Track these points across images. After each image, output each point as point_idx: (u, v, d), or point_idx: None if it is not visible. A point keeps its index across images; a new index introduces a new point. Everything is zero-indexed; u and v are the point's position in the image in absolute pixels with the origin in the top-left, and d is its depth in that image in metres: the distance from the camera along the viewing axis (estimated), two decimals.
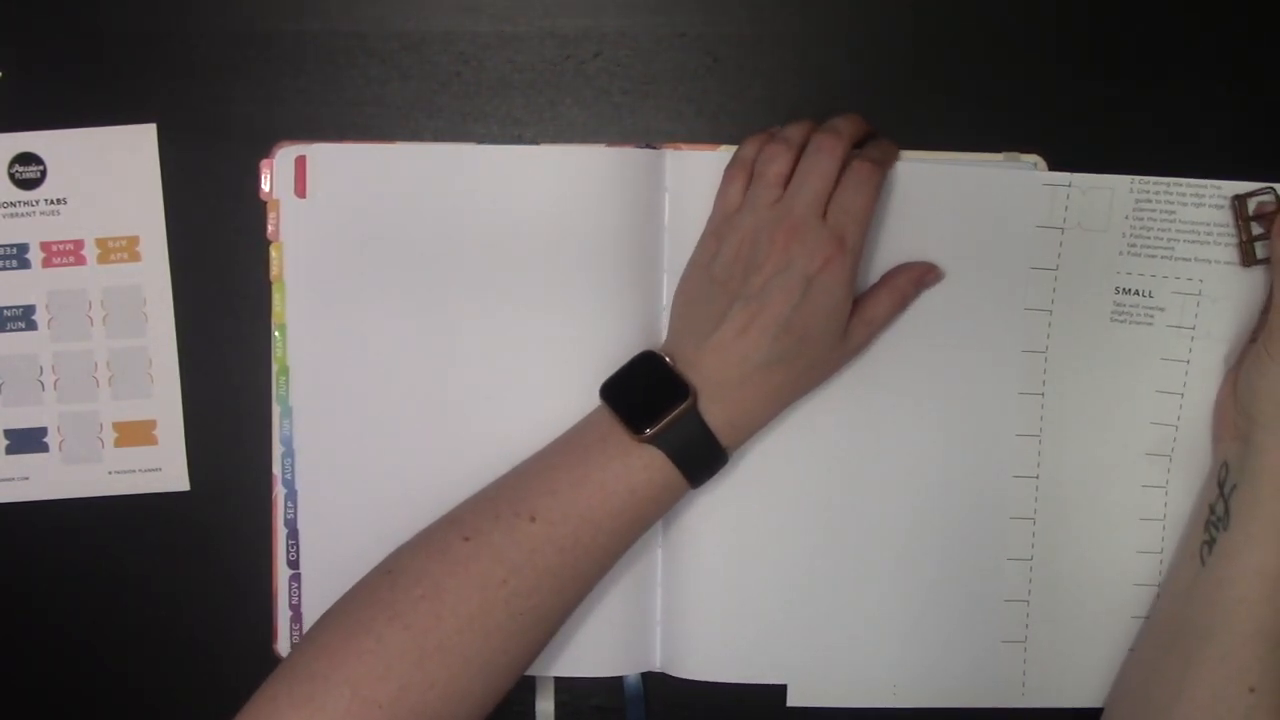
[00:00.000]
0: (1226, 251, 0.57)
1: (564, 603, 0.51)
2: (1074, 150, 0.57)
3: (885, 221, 0.56)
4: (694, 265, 0.55)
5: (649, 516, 0.52)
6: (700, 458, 0.51)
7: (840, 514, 0.57)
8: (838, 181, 0.52)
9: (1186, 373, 0.58)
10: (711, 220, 0.55)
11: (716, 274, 0.52)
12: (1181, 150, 0.58)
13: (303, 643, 0.49)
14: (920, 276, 0.56)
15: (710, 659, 0.57)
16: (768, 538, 0.57)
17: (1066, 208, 0.57)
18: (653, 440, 0.50)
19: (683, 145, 0.57)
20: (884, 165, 0.54)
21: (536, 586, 0.49)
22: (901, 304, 0.55)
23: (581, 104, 0.57)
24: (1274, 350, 0.52)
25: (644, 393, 0.51)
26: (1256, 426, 0.53)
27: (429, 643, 0.47)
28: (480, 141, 0.57)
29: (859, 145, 0.54)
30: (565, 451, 0.52)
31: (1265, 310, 0.55)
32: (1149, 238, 0.57)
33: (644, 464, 0.50)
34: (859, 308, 0.54)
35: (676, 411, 0.50)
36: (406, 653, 0.47)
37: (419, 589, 0.48)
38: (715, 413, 0.51)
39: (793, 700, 0.58)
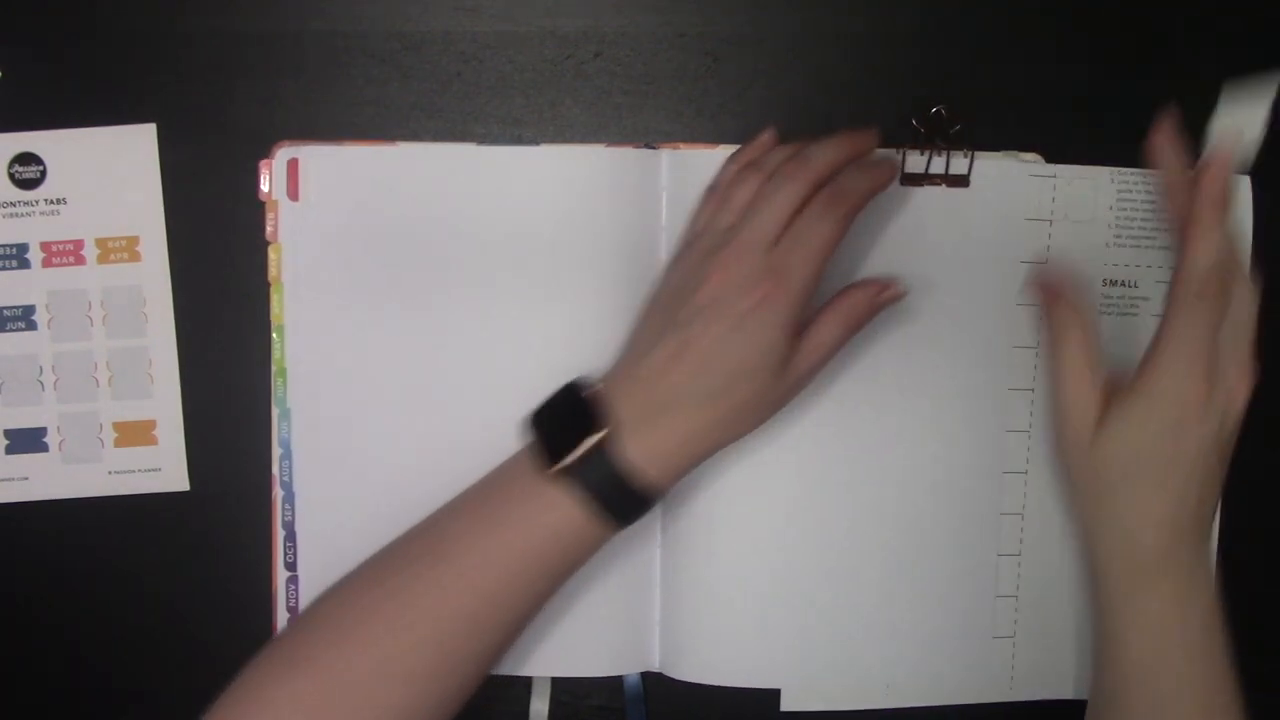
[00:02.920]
0: None
1: (482, 647, 0.48)
2: (1074, 150, 0.57)
3: (876, 221, 0.56)
4: (653, 288, 0.52)
5: (570, 557, 0.48)
6: (620, 497, 0.47)
7: (832, 513, 0.57)
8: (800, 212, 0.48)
9: None
10: (679, 244, 0.53)
11: (661, 298, 0.50)
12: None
13: (223, 695, 0.48)
14: (875, 295, 0.50)
15: (705, 662, 0.57)
16: (762, 539, 0.57)
17: (1054, 199, 0.57)
18: (567, 476, 0.47)
19: (682, 145, 0.57)
20: (855, 196, 0.49)
21: (451, 632, 0.47)
22: (853, 328, 0.50)
23: (581, 104, 0.57)
24: (1148, 388, 0.48)
25: (559, 425, 0.48)
26: (1114, 489, 0.49)
27: (335, 691, 0.45)
28: (480, 141, 0.57)
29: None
30: (482, 488, 0.50)
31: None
32: (1132, 228, 0.57)
33: (557, 503, 0.47)
34: (805, 333, 0.49)
35: (586, 445, 0.47)
36: (306, 699, 0.45)
37: (330, 635, 0.47)
38: (634, 447, 0.47)
39: (786, 705, 0.58)
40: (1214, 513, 0.47)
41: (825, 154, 0.49)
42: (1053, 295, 0.52)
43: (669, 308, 0.49)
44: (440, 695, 0.47)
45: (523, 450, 0.50)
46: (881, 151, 0.56)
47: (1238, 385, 0.47)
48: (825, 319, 0.50)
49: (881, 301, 0.50)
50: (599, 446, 0.47)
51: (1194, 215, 0.48)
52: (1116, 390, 0.49)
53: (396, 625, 0.46)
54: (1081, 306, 0.51)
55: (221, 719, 0.46)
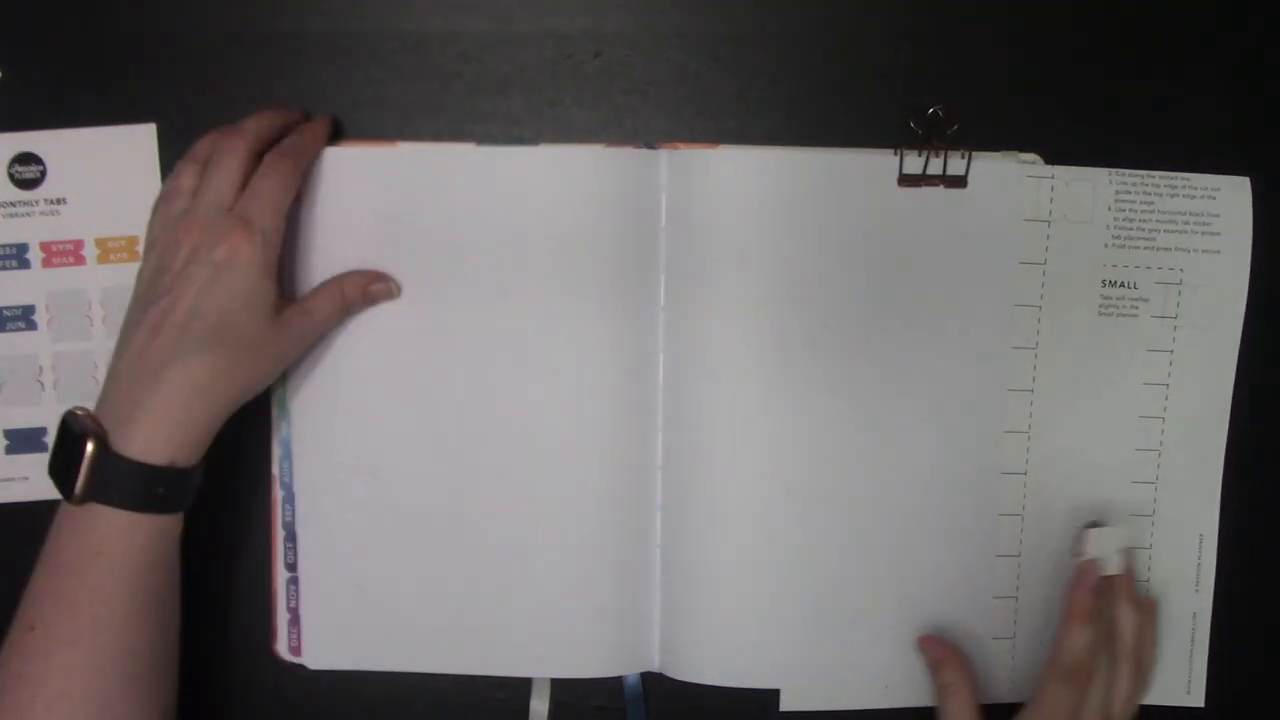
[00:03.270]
0: (1205, 240, 0.58)
1: (115, 680, 0.47)
2: (1074, 150, 0.57)
3: (873, 221, 0.56)
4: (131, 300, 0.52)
5: (146, 564, 0.48)
6: (151, 491, 0.47)
7: (831, 514, 0.57)
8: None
9: (1171, 363, 0.58)
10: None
11: (138, 293, 0.51)
12: (1182, 149, 0.58)
13: None
14: (367, 284, 0.55)
15: (705, 661, 0.57)
16: (762, 539, 0.57)
17: (1052, 200, 0.57)
18: (91, 499, 0.47)
19: (682, 145, 0.57)
20: (299, 153, 0.53)
21: (68, 688, 0.46)
22: (342, 304, 0.54)
23: (581, 104, 0.57)
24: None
25: (61, 456, 0.48)
26: None
27: None
28: (480, 141, 0.57)
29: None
30: (46, 545, 0.49)
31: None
32: (1131, 229, 0.57)
33: (99, 523, 0.47)
34: (304, 298, 0.53)
35: (85, 459, 0.46)
36: None
37: None
38: (134, 435, 0.47)
39: (786, 704, 0.58)
40: None
41: (257, 124, 0.53)
42: (940, 657, 0.56)
43: (145, 293, 0.50)
44: None
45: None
46: (879, 152, 0.56)
47: None
48: (321, 290, 0.54)
49: (374, 293, 0.55)
50: (100, 456, 0.47)
51: (1066, 612, 0.55)
52: None
53: (20, 705, 0.46)
54: (967, 669, 0.56)
55: None
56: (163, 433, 0.47)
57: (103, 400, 0.49)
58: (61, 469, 0.48)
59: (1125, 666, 0.54)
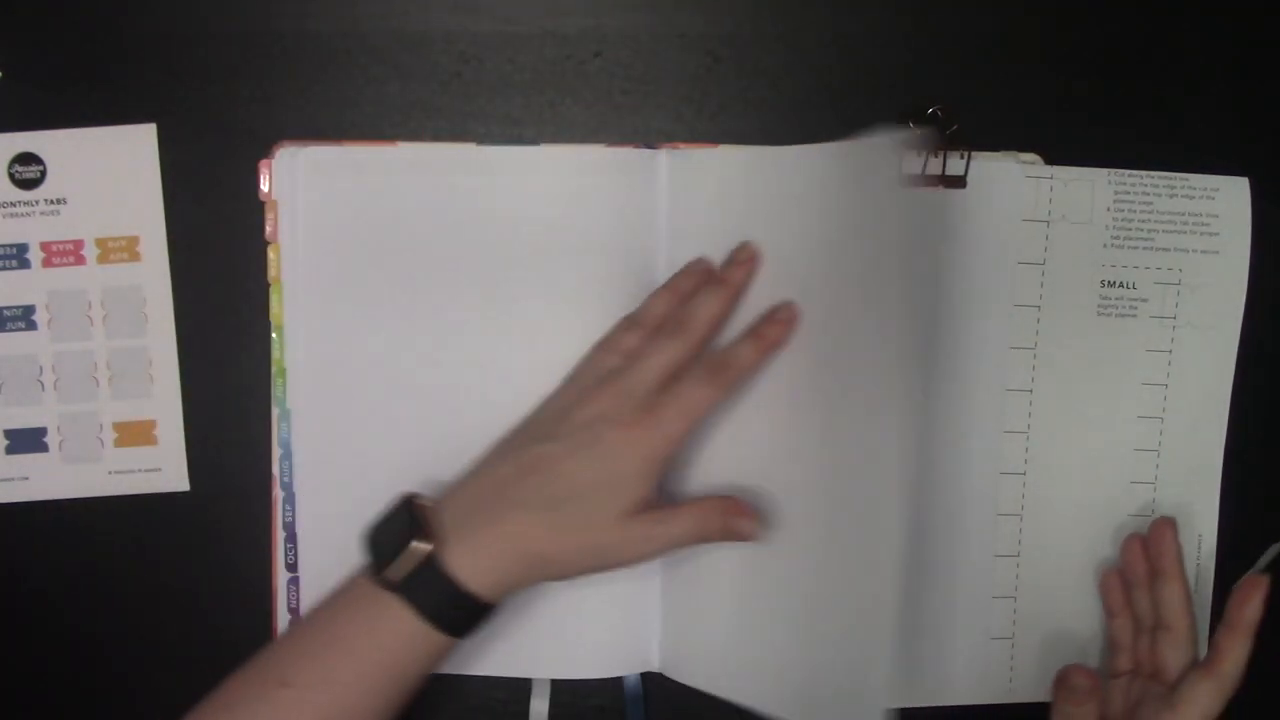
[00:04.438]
0: (1203, 240, 0.58)
1: None
2: (1071, 151, 0.57)
3: (871, 222, 0.56)
4: (520, 420, 0.53)
5: (410, 670, 0.48)
6: (449, 610, 0.47)
7: (831, 514, 0.57)
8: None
9: (1170, 363, 0.58)
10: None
11: (527, 426, 0.52)
12: (1181, 149, 0.58)
13: None
14: (733, 519, 0.51)
15: (706, 664, 0.57)
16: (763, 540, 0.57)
17: (1050, 200, 0.57)
18: (395, 590, 0.47)
19: (682, 145, 0.57)
20: (738, 368, 0.51)
21: None
22: (701, 532, 0.51)
23: (581, 104, 0.57)
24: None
25: (388, 535, 0.48)
26: None
27: None
28: (480, 141, 0.57)
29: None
30: (322, 606, 0.49)
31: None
32: (1130, 229, 0.58)
33: (388, 616, 0.47)
34: (659, 513, 0.50)
35: (410, 554, 0.47)
36: None
37: None
38: (460, 557, 0.47)
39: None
40: None
41: (705, 311, 0.51)
42: (1076, 697, 0.55)
43: (535, 427, 0.51)
44: None
45: (360, 569, 0.50)
46: None
47: None
48: (684, 510, 0.50)
49: (734, 528, 0.51)
50: (426, 559, 0.47)
51: (1233, 623, 0.52)
52: None
53: None
54: (1099, 697, 0.55)
55: None
56: (489, 569, 0.47)
57: (448, 500, 0.49)
58: (382, 548, 0.48)
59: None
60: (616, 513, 0.48)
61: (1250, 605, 0.53)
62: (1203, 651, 0.55)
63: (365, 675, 0.47)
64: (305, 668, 0.47)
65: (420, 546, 0.47)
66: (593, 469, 0.48)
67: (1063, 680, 0.54)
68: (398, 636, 0.47)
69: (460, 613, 0.48)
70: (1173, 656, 0.54)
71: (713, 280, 0.53)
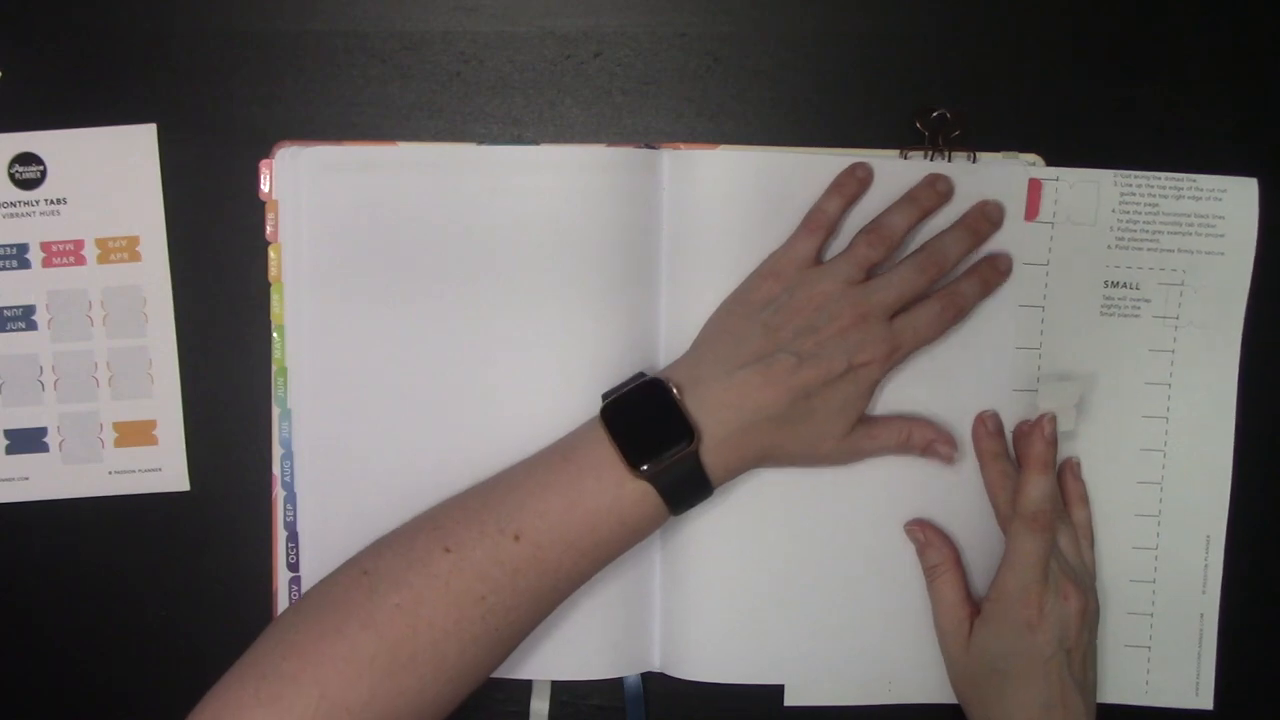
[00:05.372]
0: (1208, 242, 0.57)
1: (539, 616, 0.51)
2: (1074, 151, 0.57)
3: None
4: (741, 301, 0.54)
5: (631, 543, 0.52)
6: (689, 495, 0.51)
7: (833, 509, 0.57)
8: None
9: (1173, 363, 0.58)
10: (772, 262, 0.55)
11: (767, 319, 0.52)
12: (1187, 150, 0.58)
13: (269, 637, 0.48)
14: (934, 441, 0.55)
15: (708, 660, 0.57)
16: (763, 535, 0.57)
17: (1056, 202, 0.57)
18: (647, 478, 0.50)
19: (682, 145, 0.57)
20: (971, 301, 0.55)
21: (515, 604, 0.49)
22: (904, 444, 0.55)
23: (581, 104, 0.57)
24: (998, 598, 0.54)
25: (646, 426, 0.51)
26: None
27: (402, 654, 0.47)
28: (480, 141, 0.57)
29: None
30: (560, 470, 0.51)
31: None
32: (1135, 230, 0.57)
33: (637, 498, 0.50)
34: (870, 420, 0.55)
35: (677, 454, 0.50)
36: (378, 661, 0.46)
37: (396, 597, 0.47)
38: (713, 454, 0.51)
39: (790, 700, 0.58)
40: (1083, 708, 0.54)
41: (958, 249, 0.55)
42: (926, 540, 0.57)
43: (779, 330, 0.52)
44: (494, 658, 0.50)
45: (598, 441, 0.51)
46: (883, 153, 0.56)
47: (1070, 599, 0.53)
48: (890, 423, 0.55)
49: (934, 450, 0.55)
50: (687, 457, 0.50)
51: (1027, 462, 0.55)
52: (976, 607, 0.56)
53: (466, 599, 0.48)
54: (951, 549, 0.57)
55: (279, 657, 0.47)
56: (732, 465, 0.52)
57: (697, 399, 0.51)
58: (634, 436, 0.50)
59: (1068, 520, 0.57)
60: (844, 430, 0.53)
61: (1032, 441, 0.55)
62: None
63: (600, 545, 0.50)
64: (542, 527, 0.49)
65: (686, 449, 0.50)
66: (834, 396, 0.52)
67: (908, 534, 0.58)
68: (641, 518, 0.50)
69: (694, 497, 0.52)
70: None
71: (963, 226, 0.55)
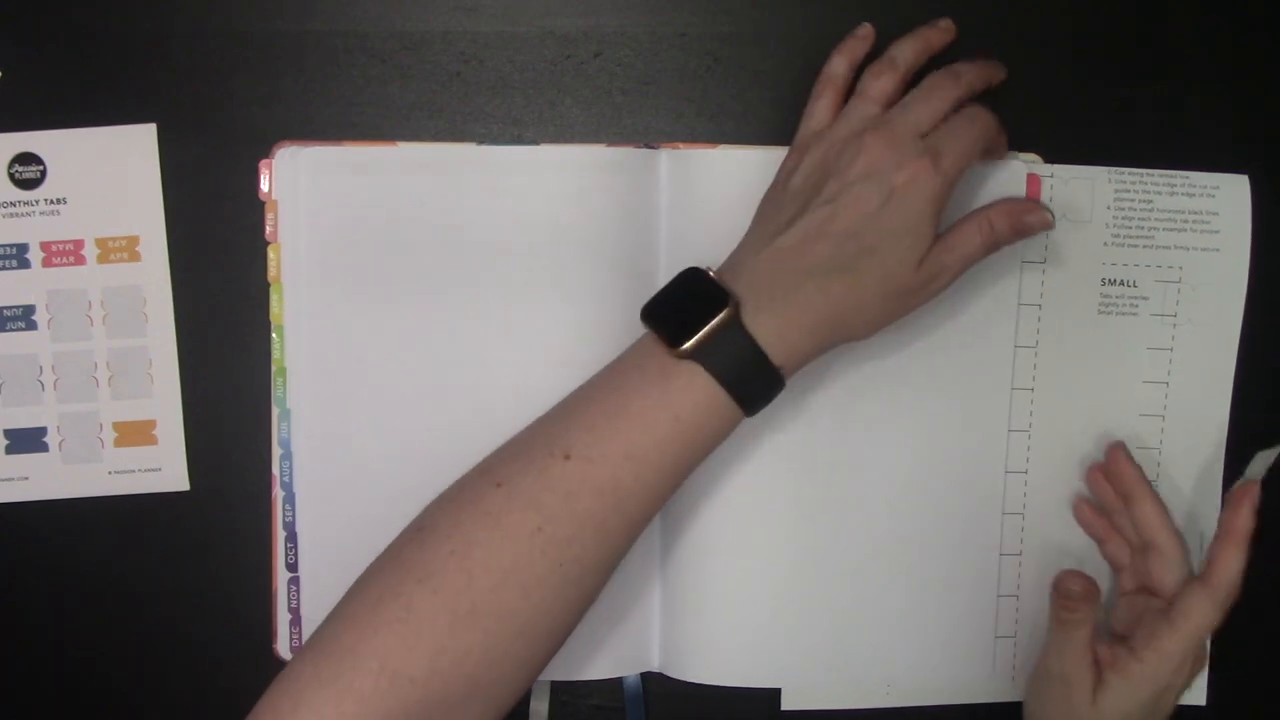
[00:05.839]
0: (1203, 238, 0.58)
1: (608, 551, 0.46)
2: (1073, 150, 0.57)
3: None
4: (771, 186, 0.52)
5: (697, 447, 0.47)
6: (749, 376, 0.46)
7: (832, 512, 0.57)
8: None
9: (1170, 361, 0.58)
10: (795, 140, 0.53)
11: (794, 184, 0.49)
12: (1181, 147, 0.58)
13: (333, 613, 0.45)
14: (1021, 215, 0.50)
15: (706, 661, 0.57)
16: (762, 538, 0.57)
17: (1051, 199, 0.57)
18: (693, 356, 0.46)
19: (682, 145, 0.57)
20: (990, 126, 0.50)
21: (576, 534, 0.45)
22: (990, 239, 0.50)
23: (581, 104, 0.57)
24: (1154, 665, 0.51)
25: (683, 307, 0.47)
26: None
27: (461, 606, 0.43)
28: (480, 141, 0.57)
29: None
30: (603, 382, 0.48)
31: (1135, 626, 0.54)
32: (1130, 227, 0.58)
33: (685, 384, 0.46)
34: (945, 237, 0.49)
35: (715, 321, 0.45)
36: (437, 619, 0.43)
37: (448, 545, 0.44)
38: (762, 323, 0.46)
39: (787, 704, 0.59)
40: None
41: (974, 75, 0.51)
42: (1081, 590, 0.53)
43: (804, 188, 0.49)
44: (564, 606, 0.46)
45: (639, 343, 0.48)
46: None
47: (1202, 662, 0.53)
48: (968, 225, 0.49)
49: (1026, 224, 0.50)
50: (725, 324, 0.46)
51: (1231, 534, 0.52)
52: (1112, 657, 0.53)
53: (520, 531, 0.44)
54: (1098, 593, 0.53)
55: (339, 631, 0.44)
56: (790, 334, 0.47)
57: (734, 273, 0.48)
58: (673, 319, 0.47)
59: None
60: (918, 255, 0.47)
61: (1242, 513, 0.52)
62: None
63: (658, 449, 0.46)
64: (590, 441, 0.46)
65: (722, 313, 0.45)
66: (881, 222, 0.47)
67: (1058, 584, 0.53)
68: (695, 407, 0.46)
69: (757, 383, 0.47)
70: (1165, 572, 0.54)
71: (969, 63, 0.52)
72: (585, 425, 0.46)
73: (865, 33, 0.54)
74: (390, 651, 0.42)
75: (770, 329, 0.46)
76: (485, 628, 0.43)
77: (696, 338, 0.45)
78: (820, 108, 0.53)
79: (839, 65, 0.53)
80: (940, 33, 0.54)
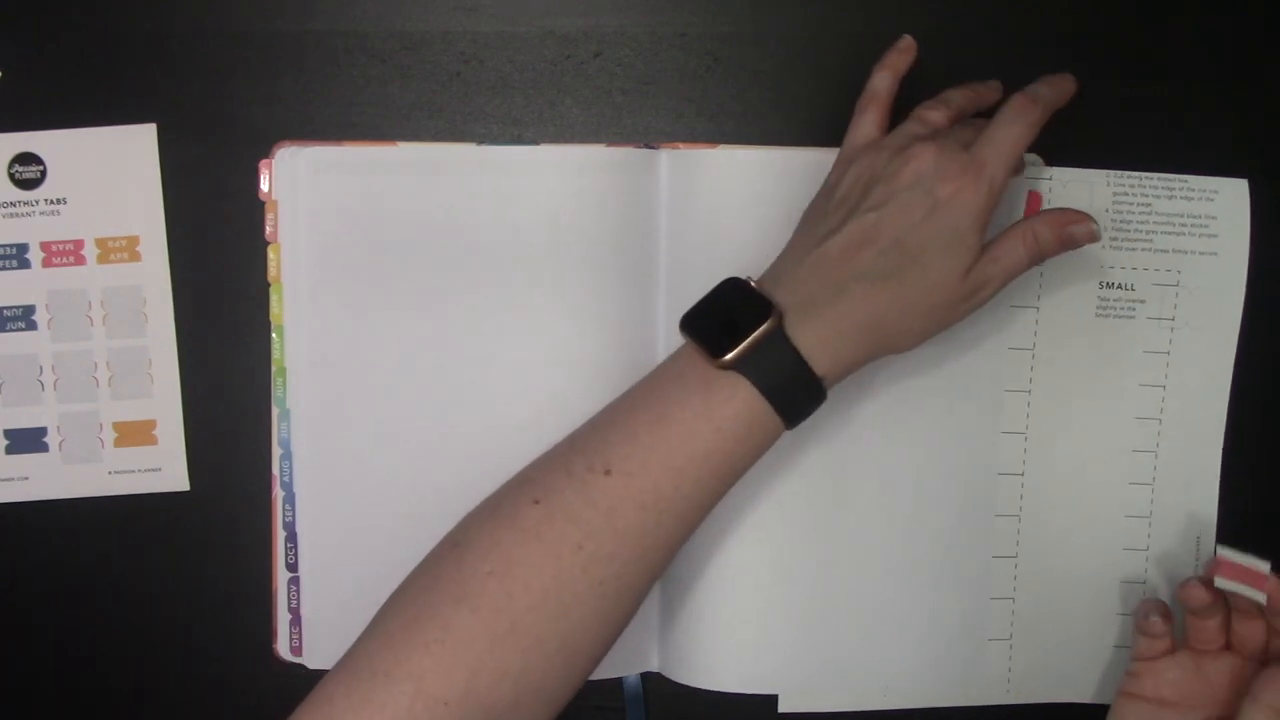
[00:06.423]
0: (1202, 242, 0.58)
1: (648, 568, 0.46)
2: (1073, 151, 0.57)
3: None
4: (816, 197, 0.51)
5: (739, 459, 0.46)
6: (791, 387, 0.46)
7: (828, 518, 0.57)
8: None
9: (1168, 364, 0.58)
10: (840, 153, 0.52)
11: (839, 193, 0.49)
12: (1180, 151, 0.58)
13: (367, 631, 0.45)
14: (1066, 225, 0.49)
15: (703, 666, 0.57)
16: (760, 542, 0.57)
17: (1050, 201, 0.57)
18: (735, 367, 0.45)
19: (682, 145, 0.57)
20: (1046, 105, 0.49)
21: (616, 551, 0.44)
22: (1034, 251, 0.49)
23: (581, 104, 0.57)
24: None
25: (724, 317, 0.46)
26: None
27: (500, 626, 0.42)
28: (480, 141, 0.57)
29: None
30: (641, 393, 0.47)
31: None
32: (1129, 230, 0.57)
33: (727, 395, 0.45)
34: (989, 248, 0.48)
35: (759, 332, 0.45)
36: (475, 640, 0.42)
37: (486, 564, 0.43)
38: (805, 333, 0.45)
39: (784, 707, 0.59)
40: None
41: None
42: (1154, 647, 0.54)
43: (849, 197, 0.48)
44: (603, 624, 0.45)
45: (679, 352, 0.48)
46: None
47: None
48: (1012, 236, 0.49)
49: (1071, 236, 0.49)
50: (767, 334, 0.45)
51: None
52: None
53: (561, 549, 0.44)
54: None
55: (372, 651, 0.43)
56: (833, 344, 0.46)
57: (775, 282, 0.47)
58: (711, 328, 0.46)
59: None
60: (960, 270, 0.47)
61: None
62: None
63: (699, 461, 0.45)
64: (631, 453, 0.45)
65: (765, 324, 0.45)
66: (925, 232, 0.46)
67: (1141, 609, 0.54)
68: (737, 419, 0.45)
69: (799, 395, 0.46)
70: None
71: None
72: (624, 437, 0.46)
73: (906, 45, 0.53)
74: (426, 674, 0.42)
75: (813, 340, 0.46)
76: (524, 647, 0.43)
77: (739, 349, 0.45)
78: (866, 121, 0.52)
79: (882, 81, 0.52)
80: (992, 91, 0.53)
